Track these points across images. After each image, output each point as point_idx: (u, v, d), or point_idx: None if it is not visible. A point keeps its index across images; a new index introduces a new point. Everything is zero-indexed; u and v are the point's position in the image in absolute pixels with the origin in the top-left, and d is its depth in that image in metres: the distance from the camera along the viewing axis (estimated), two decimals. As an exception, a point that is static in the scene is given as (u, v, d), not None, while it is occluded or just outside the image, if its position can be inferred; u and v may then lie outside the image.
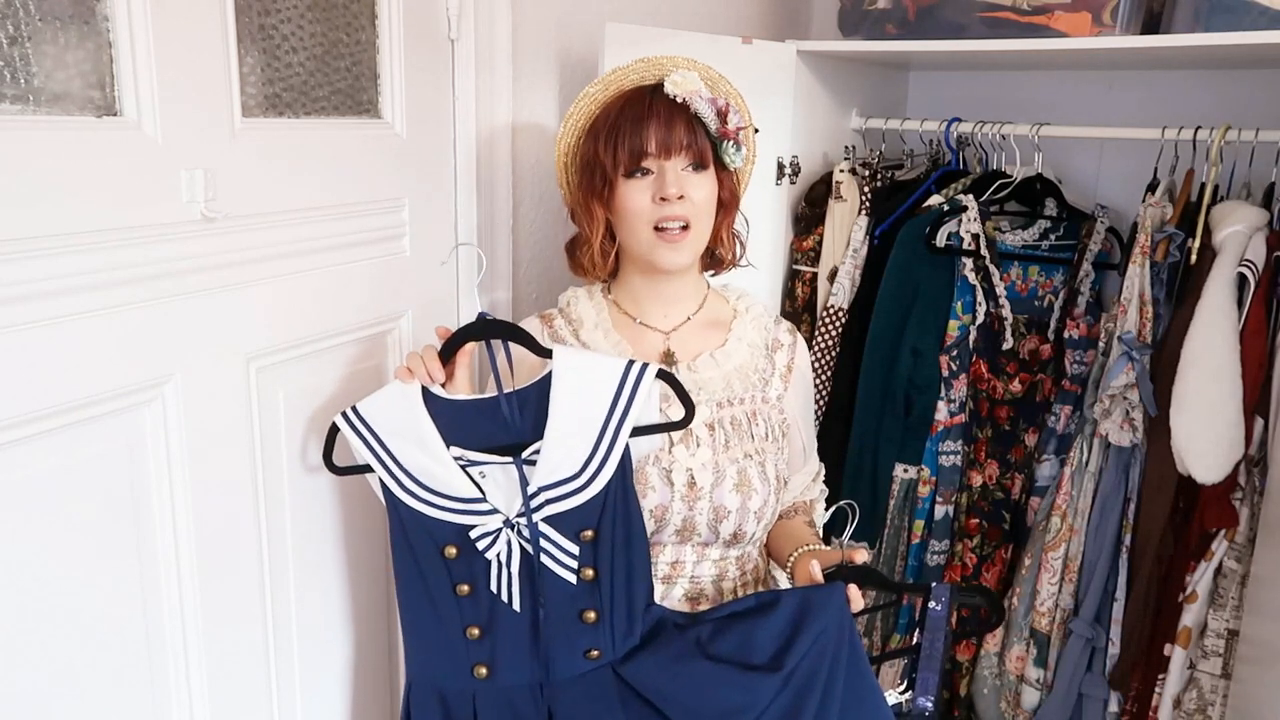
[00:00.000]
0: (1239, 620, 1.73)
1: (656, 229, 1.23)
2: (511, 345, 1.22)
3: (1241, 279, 1.64)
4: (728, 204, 1.31)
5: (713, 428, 1.27)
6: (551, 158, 1.36)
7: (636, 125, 1.22)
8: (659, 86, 1.24)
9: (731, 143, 1.25)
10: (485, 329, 1.20)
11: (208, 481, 1.18)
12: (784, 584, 1.38)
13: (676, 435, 1.24)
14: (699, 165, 1.24)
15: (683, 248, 1.25)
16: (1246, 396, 1.62)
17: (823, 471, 1.49)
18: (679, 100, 1.22)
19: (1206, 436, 1.63)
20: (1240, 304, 1.64)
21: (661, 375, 1.17)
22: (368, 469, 1.20)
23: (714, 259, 1.36)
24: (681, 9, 1.97)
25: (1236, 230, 1.66)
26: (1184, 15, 1.70)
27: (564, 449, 1.14)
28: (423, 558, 1.17)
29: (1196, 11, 1.66)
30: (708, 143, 1.25)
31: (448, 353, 1.20)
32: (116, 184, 1.02)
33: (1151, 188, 1.84)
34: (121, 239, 1.04)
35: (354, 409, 1.20)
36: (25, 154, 0.94)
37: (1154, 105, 2.10)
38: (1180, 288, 1.78)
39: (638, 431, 1.16)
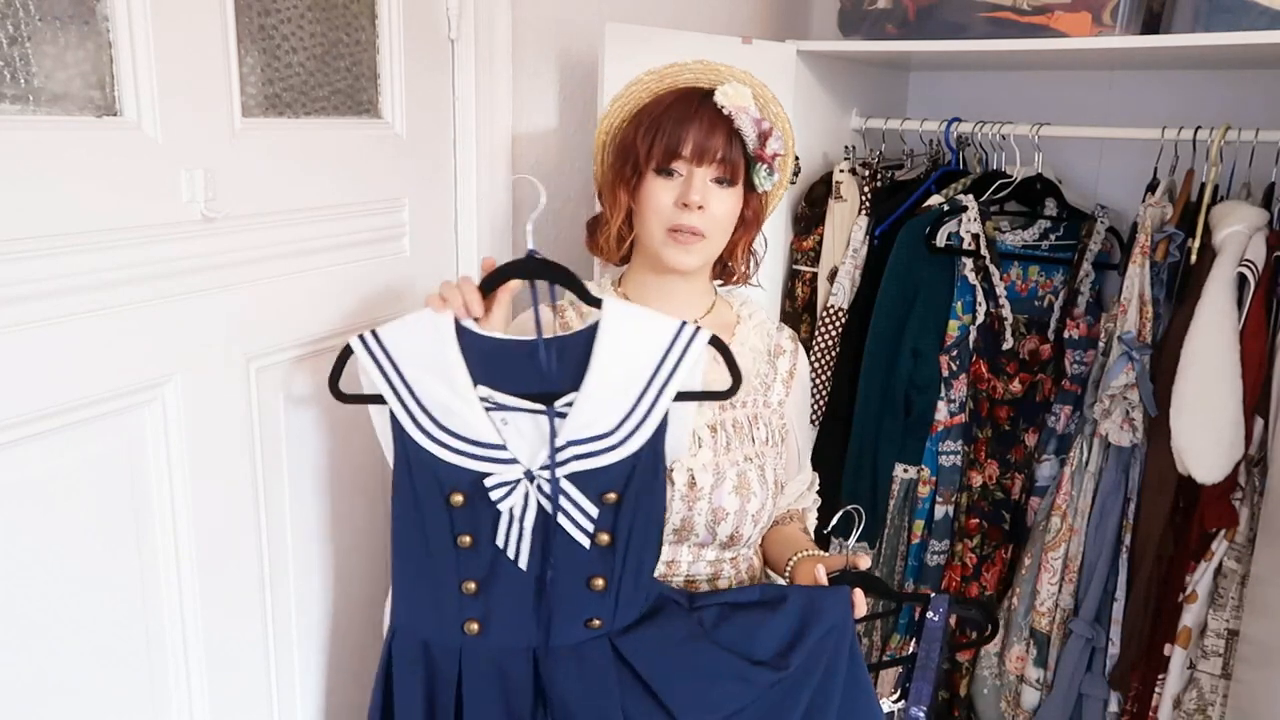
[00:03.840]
0: (1239, 620, 1.73)
1: (671, 230, 1.22)
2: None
3: (1241, 279, 1.64)
4: (750, 223, 1.30)
5: (715, 429, 1.27)
6: (552, 157, 1.36)
7: (679, 125, 1.21)
8: (710, 93, 1.23)
9: (765, 166, 1.24)
10: (536, 268, 1.13)
11: (208, 481, 1.17)
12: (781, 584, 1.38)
13: None
14: (728, 181, 1.23)
15: (692, 251, 1.24)
16: (1246, 396, 1.62)
17: (816, 481, 1.49)
18: (725, 112, 1.21)
19: (1206, 436, 1.63)
20: (1240, 304, 1.64)
21: (713, 342, 1.12)
22: (377, 400, 1.12)
23: (725, 270, 1.35)
24: (682, 9, 1.97)
25: (1236, 230, 1.66)
26: (1184, 15, 1.70)
27: (601, 404, 1.09)
28: (425, 502, 1.11)
29: (1196, 11, 1.66)
30: (742, 160, 1.23)
31: (488, 287, 1.14)
32: (116, 184, 1.02)
33: (1151, 188, 1.84)
34: (121, 239, 1.04)
35: (373, 333, 1.11)
36: (25, 154, 0.94)
37: (1154, 105, 2.09)
38: (1180, 288, 1.78)
39: (680, 396, 1.10)
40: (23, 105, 0.96)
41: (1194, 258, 1.72)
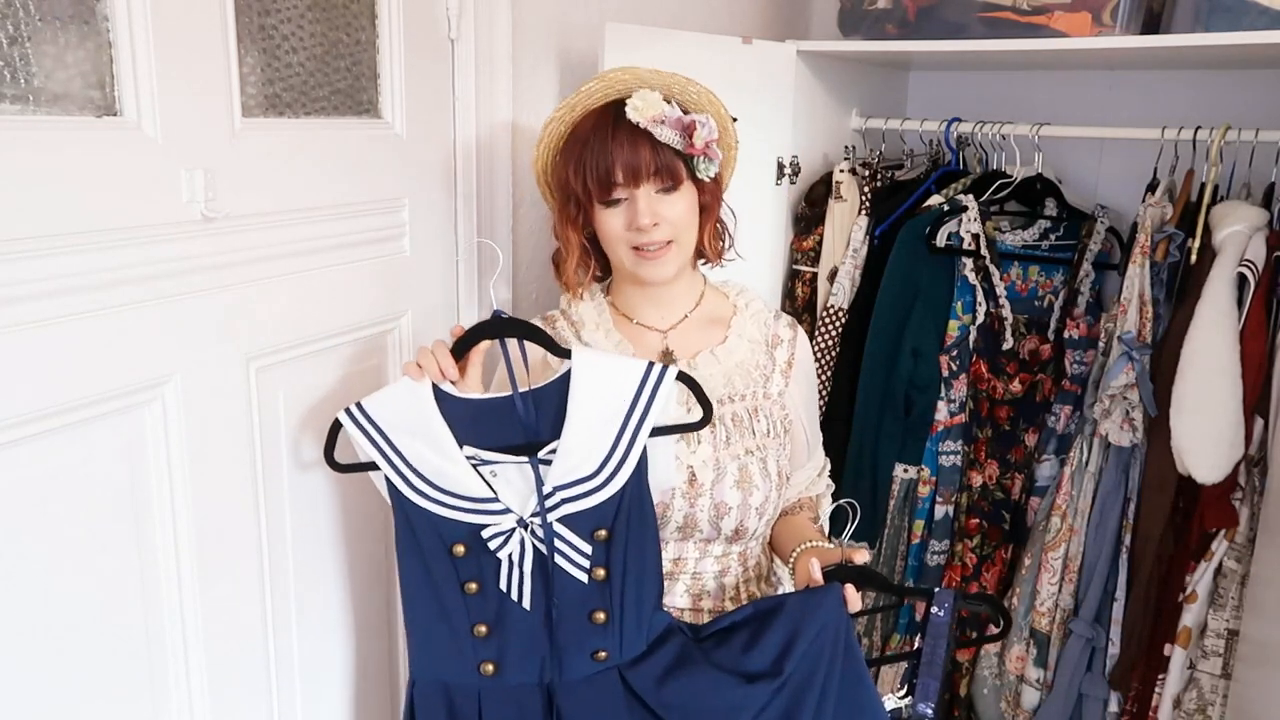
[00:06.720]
0: (1239, 620, 1.73)
1: (635, 249, 1.23)
2: (525, 344, 1.20)
3: (1241, 279, 1.64)
4: (710, 207, 1.29)
5: (714, 424, 1.27)
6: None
7: (602, 155, 1.20)
8: (623, 108, 1.20)
9: (701, 159, 1.23)
10: (501, 327, 1.18)
11: (208, 481, 1.17)
12: (786, 579, 1.38)
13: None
14: (672, 186, 1.22)
15: (665, 262, 1.24)
16: (1246, 396, 1.62)
17: (828, 467, 1.49)
18: (641, 126, 1.19)
19: (1206, 436, 1.63)
20: (1240, 304, 1.64)
21: (681, 378, 1.17)
22: (372, 467, 1.18)
23: (701, 253, 1.34)
24: (682, 9, 1.97)
25: (1236, 230, 1.66)
26: (1184, 15, 1.70)
27: (582, 448, 1.13)
28: (430, 556, 1.16)
29: (1196, 11, 1.66)
30: (678, 160, 1.22)
31: (460, 350, 1.18)
32: (116, 184, 1.02)
33: (1151, 188, 1.84)
34: (121, 239, 1.04)
35: (358, 406, 1.17)
36: (26, 154, 0.94)
37: (1154, 105, 2.10)
38: (1180, 288, 1.78)
39: (656, 431, 1.15)
40: (23, 105, 0.96)
41: (1194, 258, 1.72)
